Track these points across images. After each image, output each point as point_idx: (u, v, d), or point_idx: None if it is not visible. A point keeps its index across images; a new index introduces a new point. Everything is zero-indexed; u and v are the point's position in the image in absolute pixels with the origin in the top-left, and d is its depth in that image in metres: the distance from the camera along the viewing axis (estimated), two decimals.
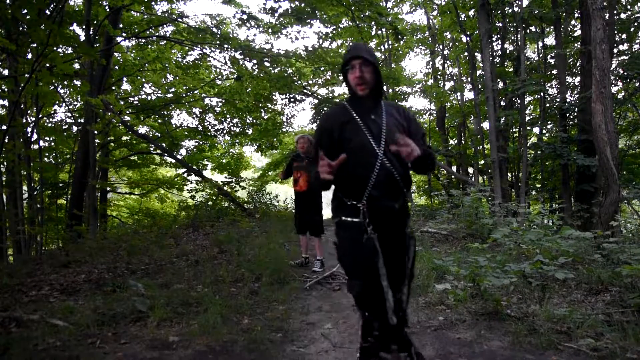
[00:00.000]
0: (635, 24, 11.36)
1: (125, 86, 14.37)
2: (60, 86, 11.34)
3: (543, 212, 6.93)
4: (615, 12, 11.22)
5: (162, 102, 13.56)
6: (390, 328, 2.06)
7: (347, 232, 2.13)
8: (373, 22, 10.62)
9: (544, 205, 10.90)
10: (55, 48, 5.38)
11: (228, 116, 15.19)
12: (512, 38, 13.63)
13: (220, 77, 14.46)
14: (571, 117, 11.61)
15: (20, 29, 6.65)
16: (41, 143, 11.14)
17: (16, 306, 3.81)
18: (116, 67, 12.42)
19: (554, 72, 13.18)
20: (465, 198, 7.98)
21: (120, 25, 10.56)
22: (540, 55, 13.67)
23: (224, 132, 15.64)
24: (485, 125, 12.53)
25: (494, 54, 12.73)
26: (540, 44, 13.73)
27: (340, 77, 15.44)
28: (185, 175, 13.86)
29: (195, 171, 12.79)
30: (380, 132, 2.09)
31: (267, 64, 11.49)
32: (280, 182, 16.92)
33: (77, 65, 9.59)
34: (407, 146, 1.90)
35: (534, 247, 4.90)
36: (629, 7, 12.19)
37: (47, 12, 6.43)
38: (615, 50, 11.73)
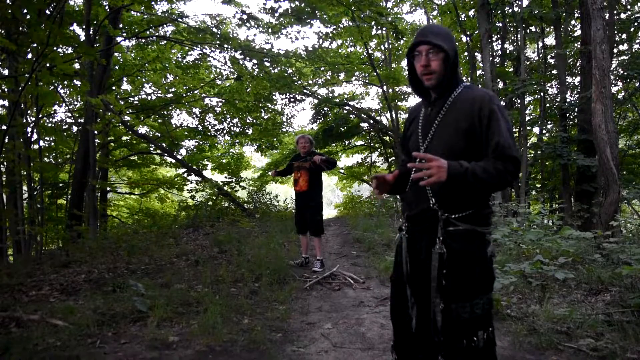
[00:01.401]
0: (635, 24, 11.35)
1: (125, 86, 14.38)
2: (60, 86, 11.33)
3: (543, 212, 6.92)
4: (615, 12, 11.22)
5: (162, 102, 13.56)
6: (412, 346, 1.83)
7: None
8: (373, 22, 10.61)
9: (544, 205, 10.90)
10: (55, 48, 5.38)
11: (228, 116, 15.20)
12: (512, 38, 13.63)
13: (220, 77, 14.46)
14: (571, 117, 11.60)
15: (20, 29, 6.65)
16: (41, 143, 11.12)
17: (16, 306, 3.81)
18: (116, 67, 12.42)
19: (554, 72, 13.18)
20: None
21: (120, 25, 10.55)
22: (540, 55, 13.67)
23: (224, 132, 15.65)
24: None
25: (494, 54, 12.72)
26: (540, 44, 13.73)
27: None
28: (185, 175, 13.87)
29: (195, 171, 12.80)
30: (429, 128, 1.80)
31: (267, 63, 11.49)
32: (281, 182, 16.93)
33: (77, 65, 9.58)
34: (429, 166, 1.58)
35: (534, 247, 4.90)
36: (629, 7, 12.19)
37: (47, 12, 6.43)
38: (615, 50, 11.73)
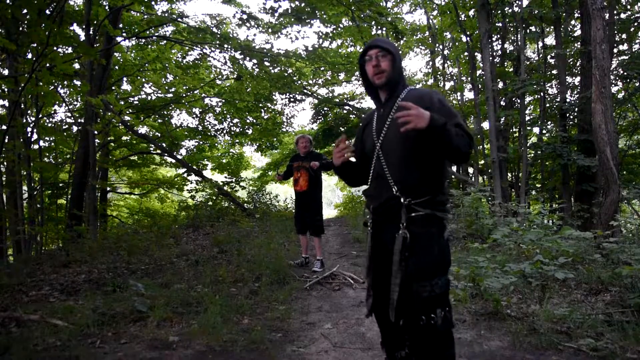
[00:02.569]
0: (635, 24, 11.35)
1: (125, 86, 14.37)
2: (60, 86, 11.34)
3: (543, 212, 6.92)
4: (615, 12, 11.21)
5: (162, 102, 13.55)
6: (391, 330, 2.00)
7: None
8: (373, 22, 10.60)
9: (544, 205, 10.89)
10: (55, 48, 5.39)
11: (228, 116, 15.19)
12: (512, 38, 13.62)
13: (220, 77, 14.46)
14: (571, 117, 11.59)
15: (20, 29, 6.65)
16: (41, 143, 11.13)
17: (16, 306, 3.81)
18: (116, 67, 12.41)
19: (554, 72, 13.17)
20: (465, 198, 7.98)
21: (120, 25, 10.55)
22: (540, 55, 13.66)
23: (224, 132, 15.65)
24: (485, 125, 12.53)
25: (494, 54, 12.71)
26: (540, 44, 13.71)
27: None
28: (185, 175, 13.87)
29: (195, 171, 12.79)
30: (383, 125, 2.00)
31: (267, 63, 11.49)
32: (281, 182, 16.93)
33: (77, 65, 9.58)
34: (407, 114, 1.69)
35: (534, 247, 4.89)
36: (629, 7, 12.18)
37: (47, 12, 6.42)
38: (615, 50, 11.71)
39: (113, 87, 12.40)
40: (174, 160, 14.05)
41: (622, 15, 11.86)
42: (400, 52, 18.48)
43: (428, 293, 1.81)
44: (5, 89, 7.56)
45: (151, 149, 13.76)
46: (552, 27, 12.11)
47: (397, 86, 2.01)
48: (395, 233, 1.87)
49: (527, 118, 13.33)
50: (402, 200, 1.87)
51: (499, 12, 12.21)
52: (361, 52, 2.04)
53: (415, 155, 1.89)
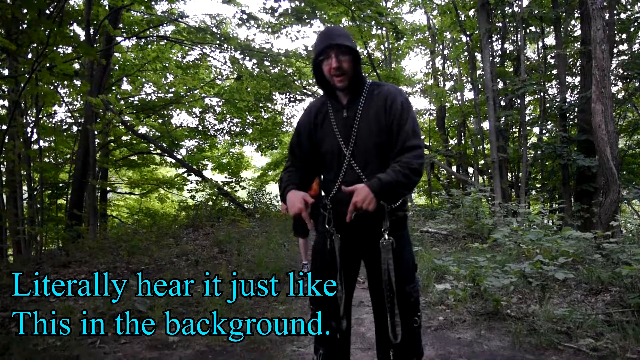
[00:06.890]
0: (635, 24, 11.35)
1: (125, 86, 14.38)
2: (60, 86, 11.34)
3: (543, 212, 6.93)
4: (615, 12, 11.21)
5: (162, 102, 13.56)
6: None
7: (317, 237, 1.93)
8: (373, 22, 10.61)
9: (544, 205, 10.91)
10: (55, 48, 5.38)
11: (228, 116, 15.21)
12: (512, 38, 13.62)
13: (220, 77, 14.47)
14: (571, 117, 11.60)
15: (20, 29, 6.65)
16: (41, 143, 11.15)
17: (16, 306, 3.81)
18: (116, 67, 12.42)
19: (554, 72, 13.17)
20: (465, 198, 7.98)
21: (120, 25, 10.55)
22: (540, 55, 13.67)
23: (224, 132, 15.66)
24: (485, 125, 12.53)
25: (494, 54, 12.71)
26: (540, 44, 13.72)
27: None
28: (185, 175, 13.88)
29: (195, 171, 12.80)
30: (350, 130, 1.78)
31: (267, 63, 11.50)
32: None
33: (77, 65, 9.59)
34: (355, 209, 1.62)
35: (534, 247, 4.90)
36: (629, 7, 12.18)
37: (47, 12, 6.43)
38: (615, 50, 11.71)
39: (113, 87, 12.42)
40: (174, 160, 14.06)
41: (622, 15, 11.86)
42: (400, 52, 18.31)
43: (417, 293, 1.81)
44: (5, 89, 7.57)
45: (151, 149, 13.76)
46: (552, 27, 12.11)
47: (360, 86, 1.81)
48: (373, 239, 1.74)
49: (527, 118, 13.34)
50: (385, 207, 1.69)
51: (499, 12, 12.22)
52: (319, 49, 1.74)
53: (387, 159, 1.75)
